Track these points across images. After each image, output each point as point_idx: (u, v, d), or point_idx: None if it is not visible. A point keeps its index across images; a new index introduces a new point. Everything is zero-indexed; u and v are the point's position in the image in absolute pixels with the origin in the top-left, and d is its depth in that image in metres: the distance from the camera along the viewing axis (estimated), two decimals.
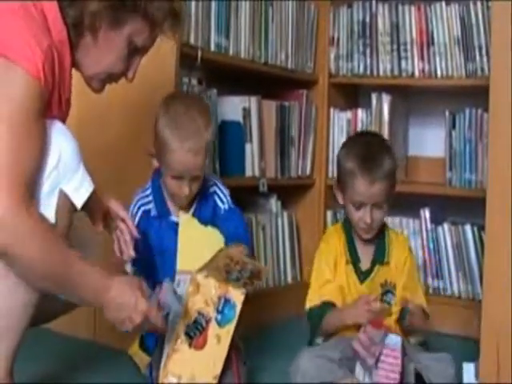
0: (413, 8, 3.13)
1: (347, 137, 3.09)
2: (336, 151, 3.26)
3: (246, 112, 2.91)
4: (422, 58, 3.10)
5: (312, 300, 2.26)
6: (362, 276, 2.27)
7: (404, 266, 2.29)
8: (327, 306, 2.23)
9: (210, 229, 2.21)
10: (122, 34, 1.70)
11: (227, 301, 1.99)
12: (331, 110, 3.31)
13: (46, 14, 1.59)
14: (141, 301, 1.68)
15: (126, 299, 1.67)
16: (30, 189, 1.54)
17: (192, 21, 2.56)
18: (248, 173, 2.93)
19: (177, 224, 2.19)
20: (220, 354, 1.99)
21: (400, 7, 3.15)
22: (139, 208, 2.19)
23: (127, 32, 1.70)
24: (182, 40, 2.48)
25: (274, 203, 3.16)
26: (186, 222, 2.19)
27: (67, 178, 1.62)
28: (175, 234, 2.18)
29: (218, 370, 1.99)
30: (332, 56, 3.30)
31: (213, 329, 1.98)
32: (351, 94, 3.43)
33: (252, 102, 2.92)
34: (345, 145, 2.37)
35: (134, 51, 1.76)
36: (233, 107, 2.88)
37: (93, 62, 1.72)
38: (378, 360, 1.99)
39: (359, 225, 2.24)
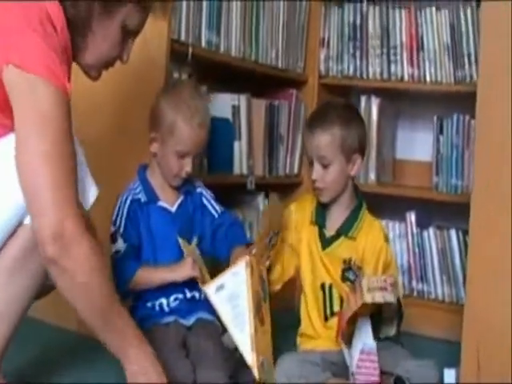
0: (403, 12, 3.13)
1: None
2: None
3: (236, 110, 2.90)
4: (411, 62, 3.11)
5: None
6: (325, 242, 2.26)
7: (379, 254, 2.23)
8: None
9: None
10: (116, 20, 1.72)
11: (263, 281, 2.08)
12: None
13: (50, 14, 1.57)
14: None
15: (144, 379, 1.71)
16: (78, 202, 1.58)
17: (183, 17, 2.55)
18: (236, 170, 2.92)
19: (164, 209, 2.22)
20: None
21: (391, 11, 3.15)
22: (127, 197, 2.20)
23: (120, 18, 1.73)
24: (173, 36, 2.47)
25: (261, 201, 3.15)
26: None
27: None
28: (163, 218, 2.21)
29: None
30: (322, 56, 3.30)
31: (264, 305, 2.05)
32: (340, 95, 3.41)
33: (242, 99, 2.92)
34: None
35: (127, 34, 1.79)
36: (222, 104, 2.87)
37: (91, 52, 1.74)
38: (357, 367, 1.98)
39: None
